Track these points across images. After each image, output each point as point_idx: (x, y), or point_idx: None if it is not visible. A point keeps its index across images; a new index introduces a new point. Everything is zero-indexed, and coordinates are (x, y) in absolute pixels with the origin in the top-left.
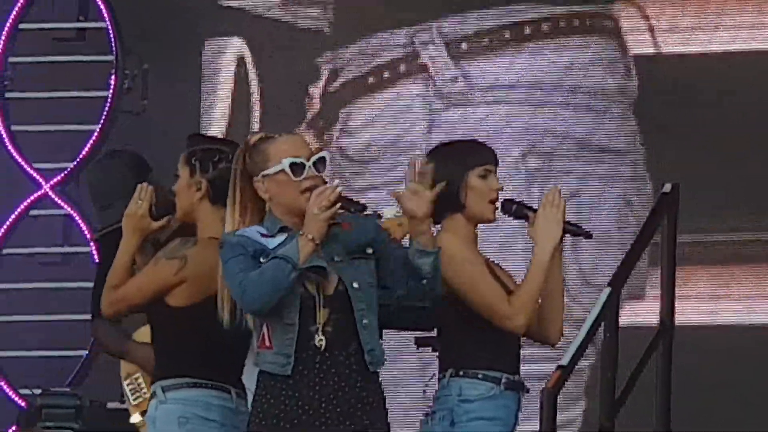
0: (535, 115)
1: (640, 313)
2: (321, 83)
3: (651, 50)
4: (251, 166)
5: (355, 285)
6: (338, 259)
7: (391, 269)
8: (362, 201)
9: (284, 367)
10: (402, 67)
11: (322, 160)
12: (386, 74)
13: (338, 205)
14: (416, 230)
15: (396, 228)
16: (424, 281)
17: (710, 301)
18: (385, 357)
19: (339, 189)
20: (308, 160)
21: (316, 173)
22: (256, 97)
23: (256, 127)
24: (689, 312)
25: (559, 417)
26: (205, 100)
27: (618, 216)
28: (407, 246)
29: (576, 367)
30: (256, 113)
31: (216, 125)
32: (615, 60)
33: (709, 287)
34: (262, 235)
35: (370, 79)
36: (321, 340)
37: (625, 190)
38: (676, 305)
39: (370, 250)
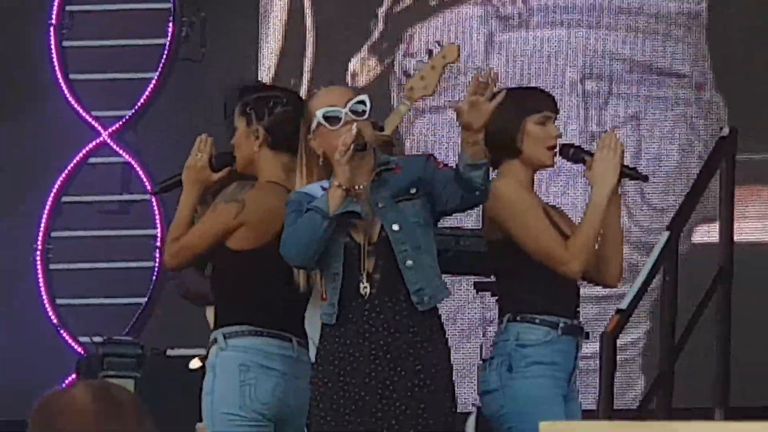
0: (594, 38)
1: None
2: (385, 5)
3: None
4: (304, 126)
5: (395, 227)
6: (381, 205)
7: (440, 192)
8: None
9: (331, 317)
10: None
11: (361, 103)
12: None
13: (352, 147)
14: (469, 141)
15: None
16: (477, 193)
17: None
18: (445, 293)
19: (353, 131)
20: (345, 107)
21: (356, 118)
22: (310, 28)
23: (309, 60)
24: None
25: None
26: (262, 43)
27: (681, 141)
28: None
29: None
30: (310, 47)
31: (270, 64)
32: None
33: None
34: (324, 189)
35: (432, 2)
36: (365, 287)
37: (689, 114)
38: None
39: (413, 190)
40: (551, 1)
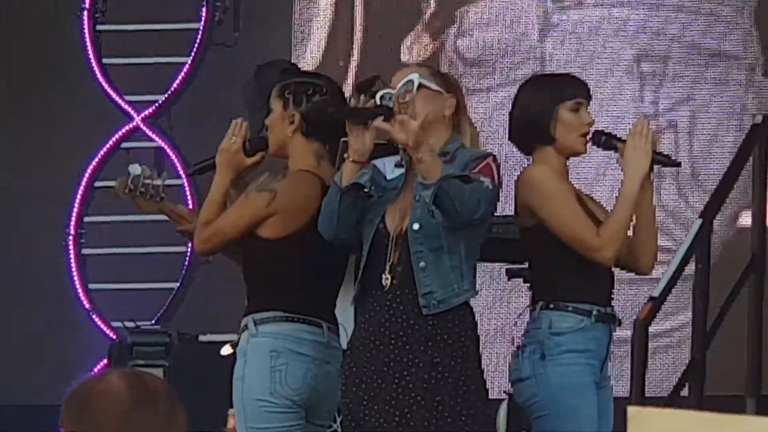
0: (650, 18)
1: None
2: None
3: None
4: None
5: (415, 226)
6: (417, 198)
7: None
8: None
9: (355, 300)
10: None
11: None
12: None
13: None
14: (414, 160)
15: None
16: (450, 212)
17: None
18: (464, 296)
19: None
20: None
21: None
22: (360, 10)
23: (359, 41)
24: None
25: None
26: (296, 25)
27: (732, 121)
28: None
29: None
30: (359, 29)
31: (309, 49)
32: None
33: None
34: (397, 165)
35: None
36: (387, 279)
37: (741, 96)
38: None
39: None
40: None
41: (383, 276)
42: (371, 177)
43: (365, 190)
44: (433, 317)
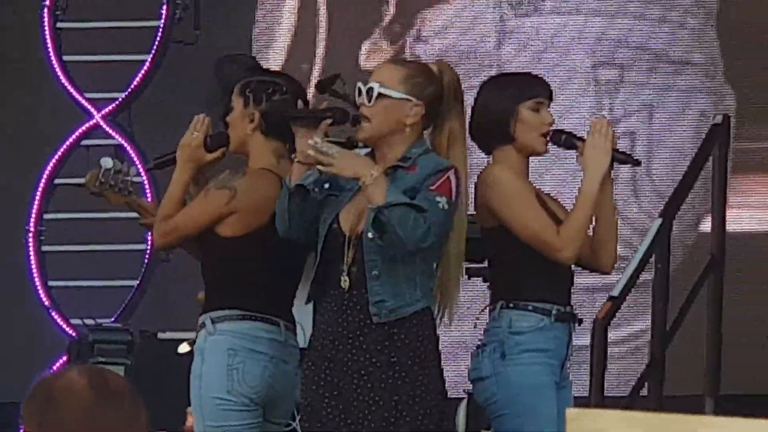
0: (608, 26)
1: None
2: None
3: None
4: None
5: (370, 234)
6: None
7: None
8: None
9: (310, 299)
10: None
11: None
12: None
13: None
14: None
15: None
16: (393, 237)
17: None
18: (416, 307)
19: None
20: None
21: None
22: (323, 12)
23: (321, 47)
24: None
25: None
26: (258, 27)
27: (695, 130)
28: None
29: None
30: (323, 32)
31: (274, 52)
32: None
33: None
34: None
35: None
36: (345, 281)
37: (699, 102)
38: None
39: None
40: None
41: (342, 277)
42: (316, 179)
43: (310, 192)
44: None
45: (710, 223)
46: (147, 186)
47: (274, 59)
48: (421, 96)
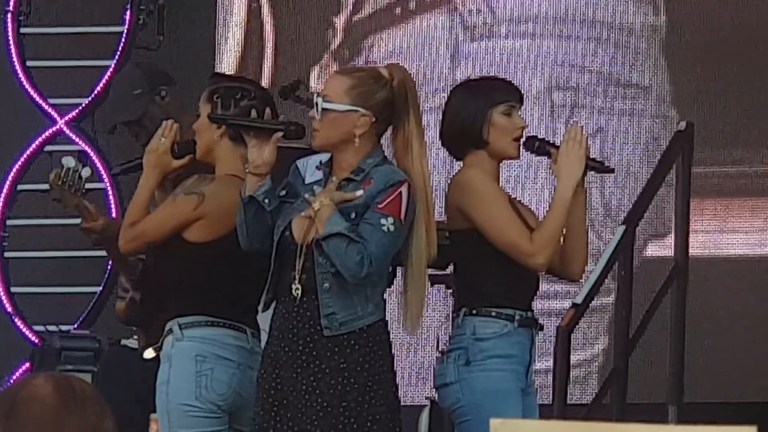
0: (560, 49)
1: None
2: (346, 13)
3: None
4: None
5: (321, 259)
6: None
7: None
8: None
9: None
10: None
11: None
12: (412, 5)
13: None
14: None
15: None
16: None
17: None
18: (368, 320)
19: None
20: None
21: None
22: (269, 29)
23: (269, 60)
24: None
25: (580, 355)
26: (220, 35)
27: (644, 151)
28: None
29: (596, 304)
30: (270, 46)
31: (229, 60)
32: None
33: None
34: (318, 167)
35: (396, 10)
36: (297, 289)
37: (651, 126)
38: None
39: (353, 215)
40: (517, 11)
41: (293, 285)
42: (268, 189)
43: (261, 203)
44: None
45: (673, 231)
46: (111, 194)
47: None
48: (368, 104)
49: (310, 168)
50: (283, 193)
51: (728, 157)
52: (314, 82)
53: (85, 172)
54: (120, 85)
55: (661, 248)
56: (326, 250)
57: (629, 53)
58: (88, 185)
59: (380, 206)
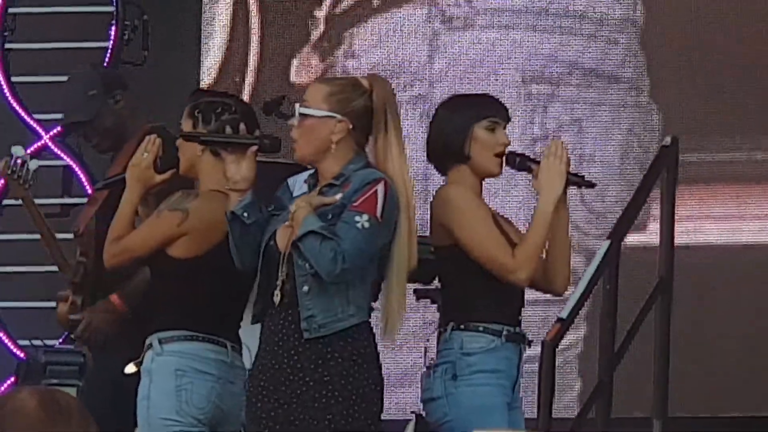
0: (538, 41)
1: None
2: (326, 5)
3: None
4: None
5: (300, 262)
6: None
7: None
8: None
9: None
10: None
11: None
12: None
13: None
14: None
15: None
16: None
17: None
18: (349, 322)
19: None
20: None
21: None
22: (255, 28)
23: (253, 59)
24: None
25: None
26: (204, 44)
27: (623, 145)
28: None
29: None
30: (254, 44)
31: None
32: None
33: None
34: (306, 181)
35: (375, 2)
36: (278, 296)
37: (628, 118)
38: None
39: (330, 216)
40: (496, 3)
41: (276, 293)
42: (247, 203)
43: (240, 217)
44: (325, 337)
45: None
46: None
47: (207, 74)
48: (345, 111)
49: (299, 183)
50: (271, 207)
51: (711, 146)
52: (293, 75)
53: (33, 164)
54: (74, 85)
55: (642, 237)
56: (302, 250)
57: (606, 45)
58: (72, 200)
59: (355, 205)
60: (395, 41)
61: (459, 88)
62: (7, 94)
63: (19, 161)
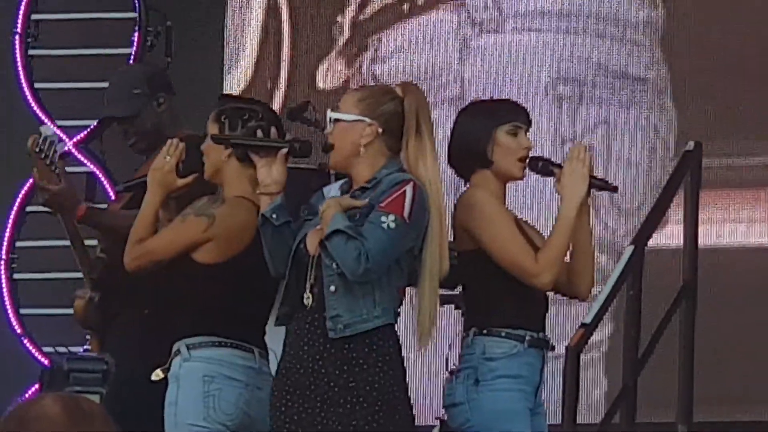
0: (567, 43)
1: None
2: (353, 8)
3: None
4: None
5: (328, 261)
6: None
7: None
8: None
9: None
10: None
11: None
12: (420, 0)
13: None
14: None
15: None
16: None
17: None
18: (374, 323)
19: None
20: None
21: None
22: (286, 38)
23: (285, 67)
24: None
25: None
26: (229, 53)
27: (648, 144)
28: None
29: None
30: (285, 53)
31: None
32: None
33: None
34: (341, 188)
35: (404, 6)
36: (308, 298)
37: (653, 119)
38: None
39: (357, 215)
40: (524, 6)
41: (305, 296)
42: (276, 206)
43: (269, 219)
44: (349, 340)
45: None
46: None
47: (238, 81)
48: (375, 115)
49: (333, 191)
50: (305, 213)
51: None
52: (320, 80)
53: (60, 147)
54: (120, 80)
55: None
56: (329, 249)
57: (631, 47)
58: (95, 206)
59: (382, 205)
60: (425, 45)
61: (489, 92)
62: (31, 101)
63: (47, 141)
